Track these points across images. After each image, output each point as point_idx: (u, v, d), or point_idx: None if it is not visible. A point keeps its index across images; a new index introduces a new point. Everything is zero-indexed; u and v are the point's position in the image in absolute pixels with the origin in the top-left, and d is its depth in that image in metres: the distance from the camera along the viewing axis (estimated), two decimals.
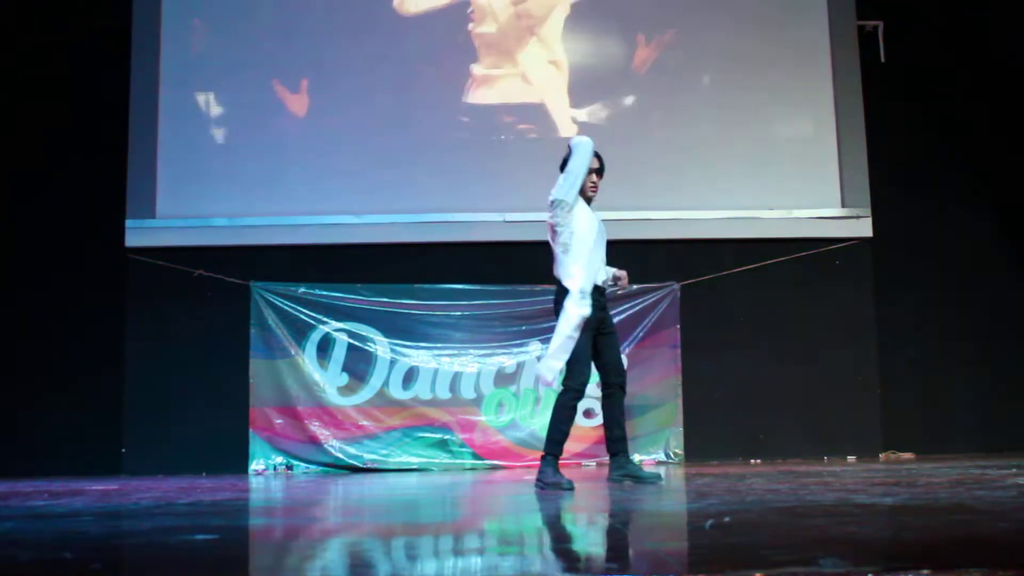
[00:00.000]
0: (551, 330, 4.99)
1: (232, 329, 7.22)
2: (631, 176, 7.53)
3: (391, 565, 2.35)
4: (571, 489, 4.45)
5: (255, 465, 7.05)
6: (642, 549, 2.55)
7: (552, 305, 4.84)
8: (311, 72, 7.65)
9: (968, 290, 7.78)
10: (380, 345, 7.22)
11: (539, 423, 6.86)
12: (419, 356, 7.22)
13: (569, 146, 4.74)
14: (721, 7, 7.84)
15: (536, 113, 7.67)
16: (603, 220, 4.81)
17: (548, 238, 4.76)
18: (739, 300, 7.48)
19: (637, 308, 7.31)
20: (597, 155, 4.75)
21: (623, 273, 4.96)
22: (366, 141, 7.62)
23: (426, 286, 7.33)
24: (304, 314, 7.22)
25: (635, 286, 7.32)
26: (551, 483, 4.52)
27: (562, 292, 4.66)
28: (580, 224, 4.66)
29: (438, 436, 7.14)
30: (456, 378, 7.21)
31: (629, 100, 7.78)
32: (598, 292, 4.76)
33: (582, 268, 4.62)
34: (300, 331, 7.20)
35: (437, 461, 7.09)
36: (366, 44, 7.69)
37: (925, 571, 1.83)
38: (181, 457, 7.11)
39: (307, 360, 7.17)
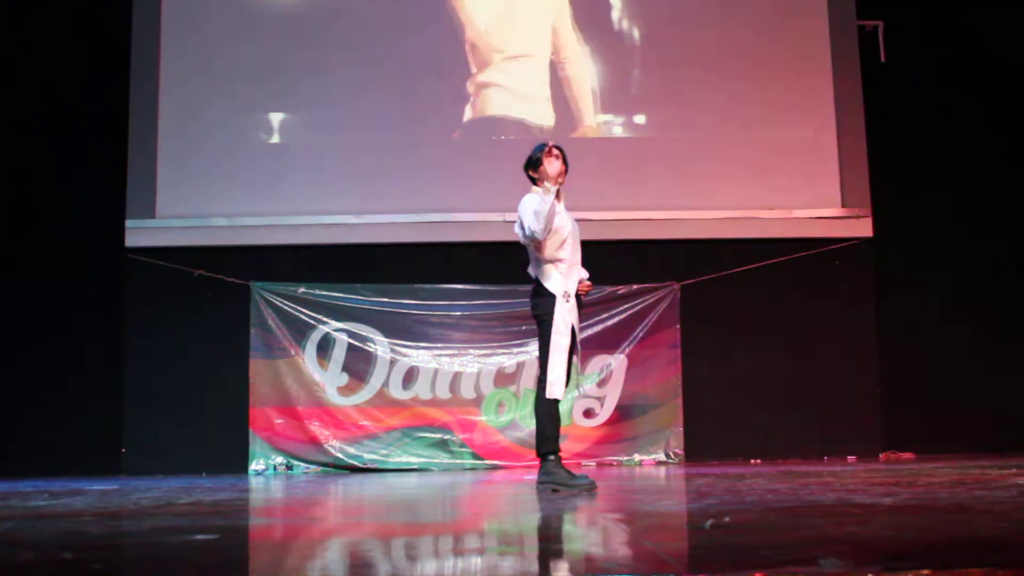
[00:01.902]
0: None
1: (232, 329, 7.22)
2: (631, 176, 7.55)
3: (391, 565, 2.35)
4: (593, 488, 4.34)
5: (255, 465, 7.05)
6: (642, 549, 2.55)
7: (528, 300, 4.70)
8: (311, 72, 7.64)
9: (968, 290, 7.76)
10: (380, 345, 7.22)
11: None
12: (419, 356, 7.23)
13: (526, 161, 4.59)
14: (721, 7, 7.84)
15: (536, 113, 7.66)
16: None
17: (518, 236, 4.60)
18: (739, 300, 7.47)
19: (637, 308, 7.31)
20: (558, 147, 4.60)
21: (586, 281, 4.69)
22: (366, 141, 7.62)
23: (426, 286, 7.33)
24: (304, 314, 7.22)
25: (635, 286, 7.34)
26: (568, 484, 4.35)
27: (541, 293, 4.56)
28: (556, 225, 4.50)
29: (438, 436, 7.15)
30: (456, 378, 7.21)
31: (629, 100, 7.77)
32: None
33: (562, 271, 4.53)
34: (300, 331, 7.20)
35: (437, 461, 7.09)
36: (366, 45, 7.69)
37: (925, 571, 1.83)
38: (181, 457, 7.11)
39: (307, 360, 7.17)
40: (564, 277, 4.53)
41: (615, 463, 7.14)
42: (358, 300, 7.26)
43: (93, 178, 7.56)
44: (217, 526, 3.15)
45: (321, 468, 7.05)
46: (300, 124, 7.69)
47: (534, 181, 4.63)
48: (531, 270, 4.66)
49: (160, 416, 7.21)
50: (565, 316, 4.49)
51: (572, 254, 4.59)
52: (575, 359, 4.63)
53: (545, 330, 4.53)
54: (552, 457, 4.43)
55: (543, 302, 4.55)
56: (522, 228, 4.56)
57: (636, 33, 7.82)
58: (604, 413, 7.22)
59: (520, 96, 7.71)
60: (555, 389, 4.46)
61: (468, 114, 7.69)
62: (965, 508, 3.12)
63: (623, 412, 7.23)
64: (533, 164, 4.61)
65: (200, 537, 2.78)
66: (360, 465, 7.02)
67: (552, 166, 4.48)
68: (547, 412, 4.51)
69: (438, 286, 7.34)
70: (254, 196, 7.52)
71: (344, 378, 7.19)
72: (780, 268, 7.49)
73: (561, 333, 4.48)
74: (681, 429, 7.26)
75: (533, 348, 7.16)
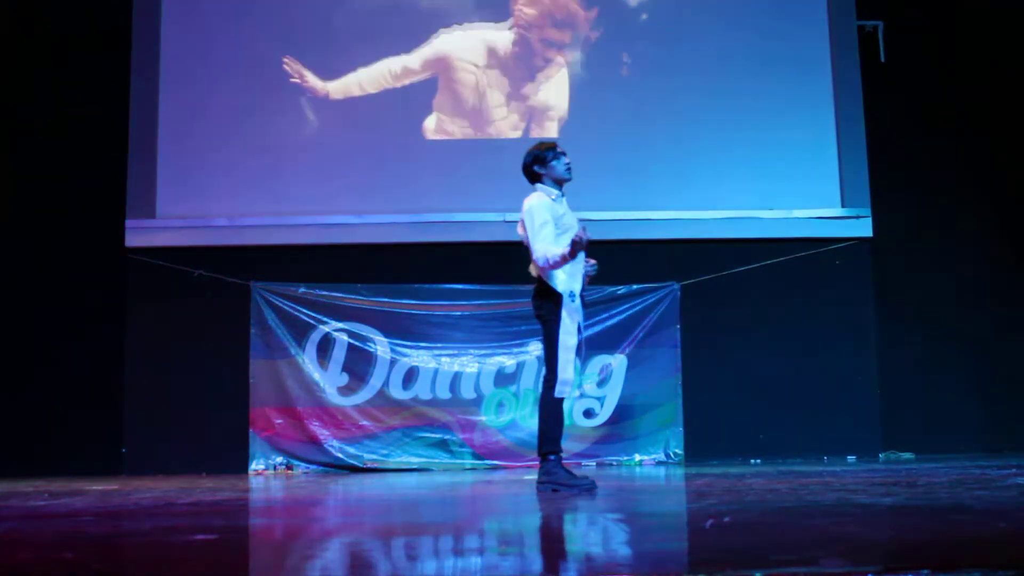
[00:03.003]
0: None
1: (232, 329, 7.22)
2: (631, 176, 7.55)
3: (391, 565, 2.35)
4: (593, 488, 4.33)
5: (255, 465, 7.05)
6: (642, 549, 2.56)
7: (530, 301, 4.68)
8: (311, 72, 7.64)
9: (968, 290, 7.77)
10: (380, 345, 7.22)
11: None
12: (419, 356, 7.22)
13: (531, 157, 4.62)
14: (721, 8, 7.84)
15: (536, 113, 7.66)
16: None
17: (521, 236, 4.61)
18: (739, 300, 7.47)
19: (637, 308, 7.31)
20: (553, 145, 4.64)
21: (593, 261, 4.67)
22: (366, 141, 7.62)
23: (426, 286, 7.33)
24: (304, 314, 7.22)
25: (635, 286, 7.34)
26: (568, 484, 4.34)
27: (545, 294, 4.53)
28: (565, 224, 4.52)
29: (438, 436, 7.14)
30: (456, 378, 7.21)
31: (629, 100, 7.77)
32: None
33: (567, 271, 4.48)
34: (300, 331, 7.20)
35: (437, 461, 7.08)
36: (366, 44, 7.69)
37: (925, 571, 1.83)
38: (181, 457, 7.11)
39: (307, 360, 7.17)
40: (569, 276, 4.49)
41: (615, 463, 7.14)
42: (358, 300, 7.26)
43: (93, 178, 7.56)
44: (217, 526, 3.15)
45: (321, 468, 7.05)
46: (300, 124, 7.68)
47: (536, 178, 4.63)
48: (533, 269, 4.63)
49: (160, 416, 7.21)
50: (572, 314, 4.47)
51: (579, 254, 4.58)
52: (577, 359, 4.62)
53: (551, 329, 4.50)
54: (553, 457, 4.42)
55: (548, 302, 4.52)
56: (524, 228, 4.56)
57: (636, 32, 7.82)
58: (604, 413, 7.22)
59: (520, 96, 7.71)
60: (565, 388, 4.46)
61: (468, 114, 7.69)
62: (965, 508, 3.12)
63: (623, 412, 7.23)
64: (540, 161, 4.60)
65: (200, 537, 2.78)
66: (360, 465, 7.02)
67: (583, 232, 4.35)
68: (553, 413, 4.49)
69: (438, 286, 7.34)
70: (254, 196, 7.51)
71: (344, 378, 7.19)
72: (780, 268, 7.48)
73: (569, 332, 4.47)
74: (681, 429, 7.26)
75: (533, 348, 7.20)
